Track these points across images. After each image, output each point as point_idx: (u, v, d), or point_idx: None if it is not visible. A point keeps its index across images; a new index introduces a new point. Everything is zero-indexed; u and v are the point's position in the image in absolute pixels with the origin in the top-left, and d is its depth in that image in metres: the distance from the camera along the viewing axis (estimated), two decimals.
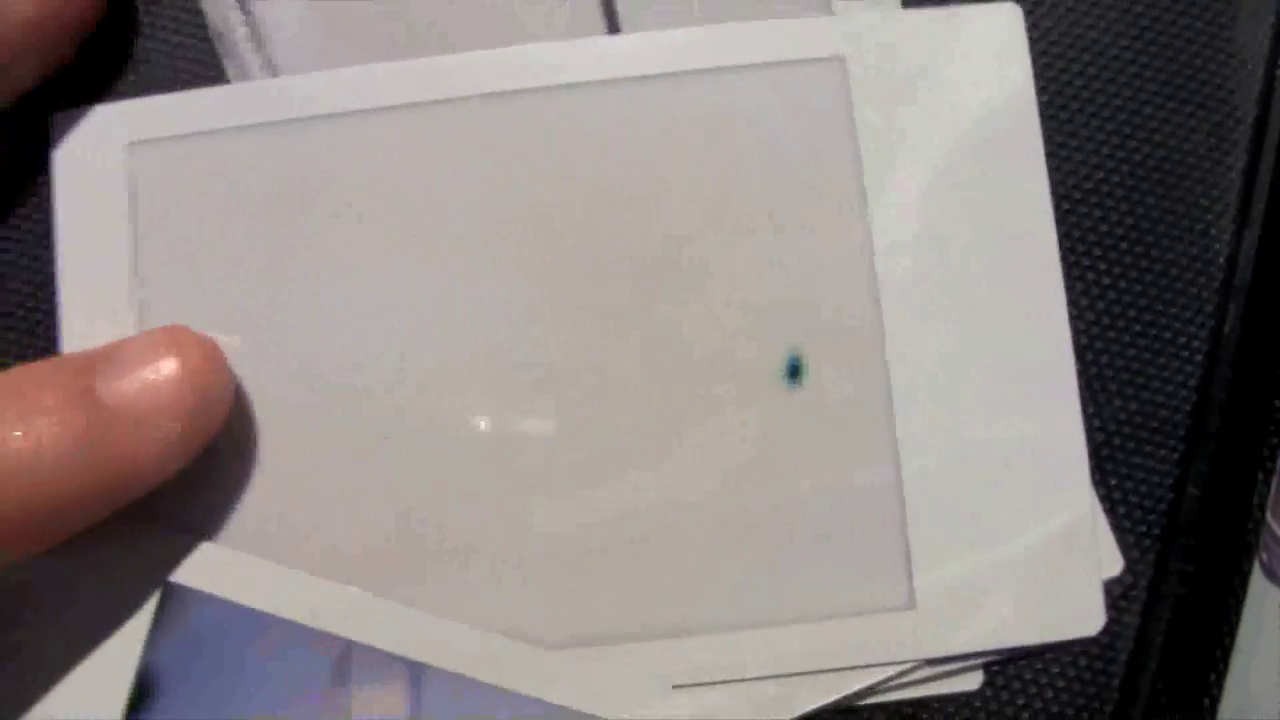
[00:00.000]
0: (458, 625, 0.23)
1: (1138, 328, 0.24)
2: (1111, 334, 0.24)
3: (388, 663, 0.23)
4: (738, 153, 0.24)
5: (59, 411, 0.21)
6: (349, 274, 0.24)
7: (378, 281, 0.24)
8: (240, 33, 0.25)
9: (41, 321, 0.25)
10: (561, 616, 0.23)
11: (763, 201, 0.24)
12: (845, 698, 0.23)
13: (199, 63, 0.25)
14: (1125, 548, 0.24)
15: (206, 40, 0.25)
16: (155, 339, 0.23)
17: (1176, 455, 0.24)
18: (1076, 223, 0.24)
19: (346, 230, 0.24)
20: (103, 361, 0.22)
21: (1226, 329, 0.24)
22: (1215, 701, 0.24)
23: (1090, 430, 0.24)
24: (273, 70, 0.25)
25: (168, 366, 0.22)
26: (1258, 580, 0.24)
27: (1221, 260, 0.24)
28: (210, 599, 0.24)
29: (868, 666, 0.23)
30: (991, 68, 0.24)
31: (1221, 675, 0.24)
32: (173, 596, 0.24)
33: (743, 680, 0.23)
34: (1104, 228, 0.24)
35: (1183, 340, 0.24)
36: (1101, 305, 0.24)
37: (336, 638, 0.23)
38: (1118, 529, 0.24)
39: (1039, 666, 0.24)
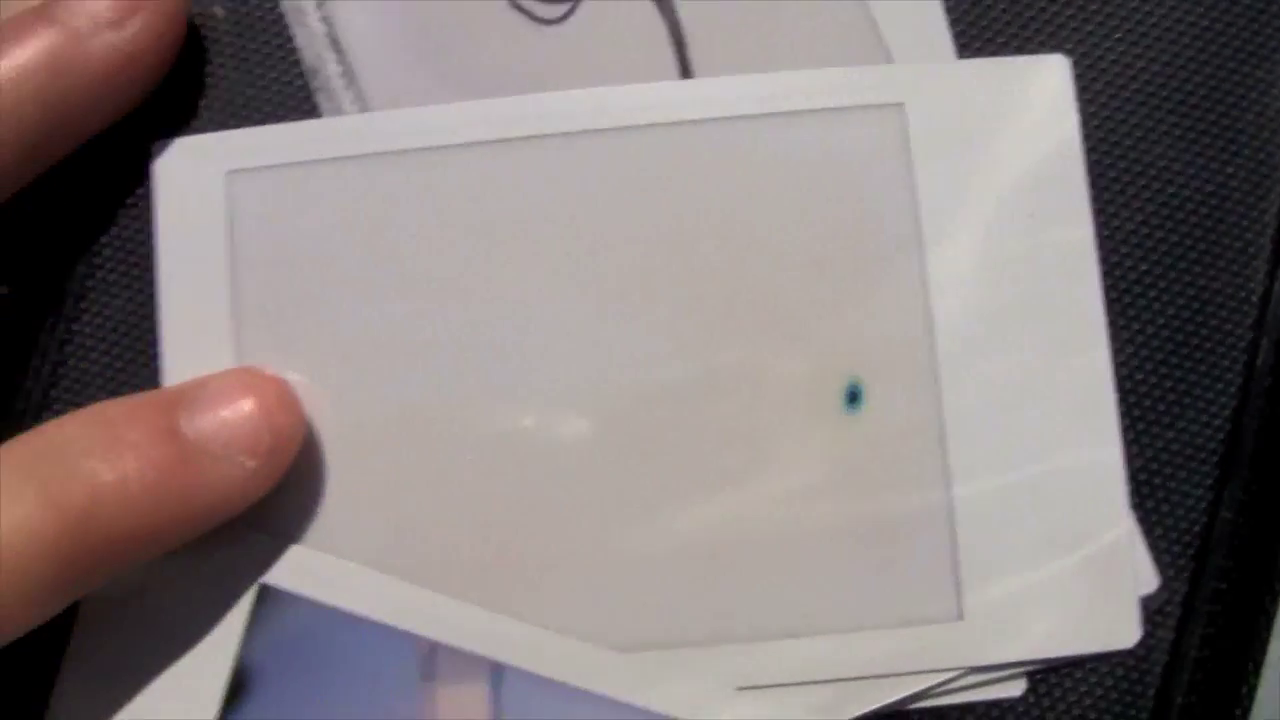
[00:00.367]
0: (536, 628, 0.25)
1: (1175, 359, 0.26)
2: (1150, 365, 0.26)
3: (471, 663, 0.25)
4: (801, 192, 0.26)
5: (146, 446, 0.23)
6: (436, 301, 0.26)
7: (465, 308, 0.26)
8: (333, 70, 0.26)
9: (143, 338, 0.26)
10: (635, 622, 0.25)
11: (824, 239, 0.25)
12: (896, 702, 0.25)
13: (293, 98, 0.27)
14: (1161, 566, 0.25)
15: (300, 76, 0.27)
16: (234, 379, 0.24)
17: (1211, 480, 0.26)
18: (1119, 261, 0.26)
19: (433, 259, 0.26)
20: (185, 399, 0.24)
21: (1259, 361, 0.26)
22: (1246, 713, 0.25)
23: (1129, 455, 0.25)
24: (364, 106, 0.26)
25: (246, 405, 0.24)
26: None
27: (1255, 298, 0.26)
28: (303, 601, 0.25)
29: (918, 673, 0.25)
30: (1041, 115, 0.26)
31: (1253, 688, 0.25)
32: (267, 598, 0.25)
33: (803, 684, 0.25)
34: (1144, 266, 0.26)
35: (1218, 372, 0.26)
36: (1141, 338, 0.26)
37: (422, 639, 0.25)
38: (1154, 548, 0.25)
39: (1078, 676, 0.25)
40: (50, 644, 0.25)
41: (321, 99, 0.26)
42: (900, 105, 0.26)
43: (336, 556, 0.25)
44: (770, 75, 0.26)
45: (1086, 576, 0.25)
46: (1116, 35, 0.26)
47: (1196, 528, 0.25)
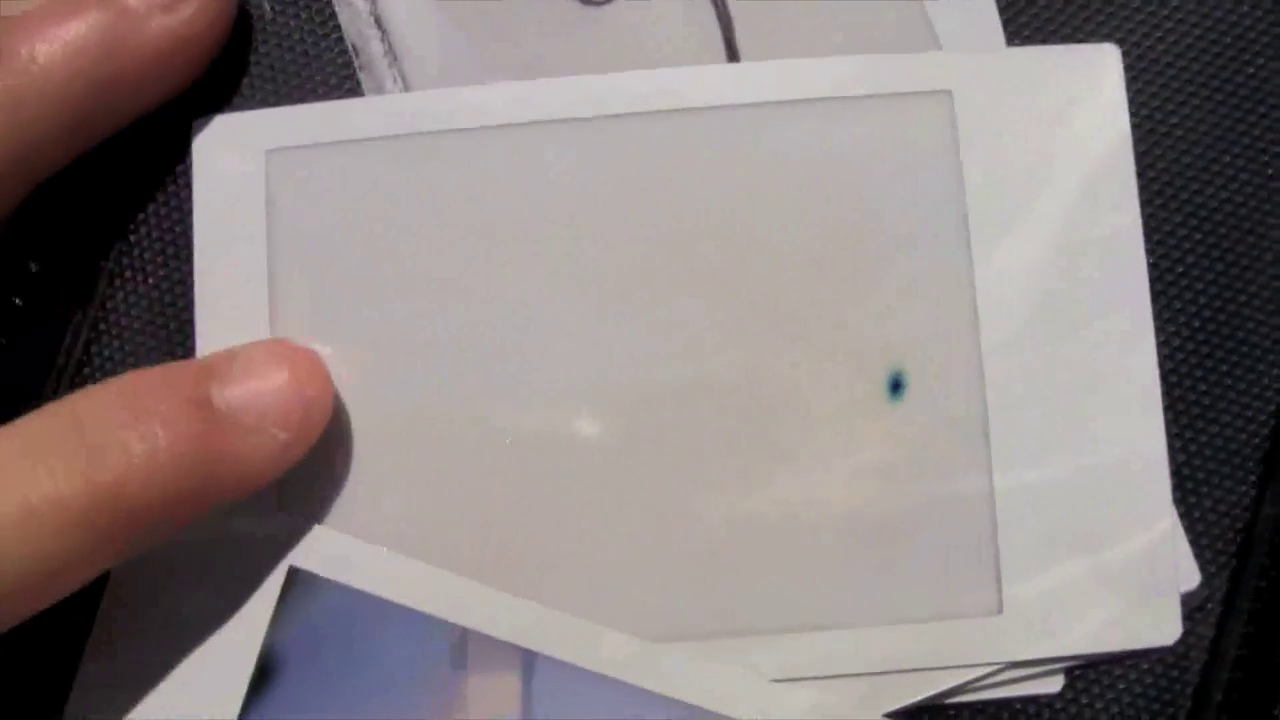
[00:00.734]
0: (568, 616, 0.25)
1: (1219, 354, 0.26)
2: (1194, 360, 0.26)
3: (502, 651, 0.25)
4: (846, 179, 0.25)
5: (176, 417, 0.22)
6: (473, 284, 0.25)
7: (501, 293, 0.25)
8: (376, 49, 0.26)
9: (177, 317, 0.26)
10: (669, 613, 0.25)
11: (870, 227, 0.25)
12: (933, 696, 0.25)
13: (335, 75, 0.26)
14: (1202, 563, 0.25)
15: (343, 54, 0.26)
16: (265, 350, 0.24)
17: (1254, 476, 0.25)
18: (1164, 253, 0.26)
19: (471, 241, 0.25)
20: (217, 370, 0.23)
21: None
22: None
23: (1173, 451, 0.25)
24: (406, 85, 0.26)
25: (278, 378, 0.24)
26: None
27: None
28: (332, 585, 0.25)
29: (956, 667, 0.25)
30: (1091, 105, 0.25)
31: None
32: (297, 581, 0.25)
33: (838, 676, 0.25)
34: (1190, 259, 0.26)
35: (1262, 367, 0.26)
36: (1186, 332, 0.26)
37: (454, 626, 0.25)
38: (1195, 545, 0.25)
39: (1117, 672, 0.25)
40: (75, 624, 0.25)
41: (364, 78, 0.26)
42: (948, 93, 0.25)
43: (367, 541, 0.25)
44: (817, 61, 0.26)
45: (1127, 573, 0.25)
46: (1167, 25, 0.26)
47: (1239, 524, 0.25)
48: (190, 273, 0.26)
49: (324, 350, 0.25)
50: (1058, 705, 0.25)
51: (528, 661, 0.25)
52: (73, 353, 0.26)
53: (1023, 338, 0.25)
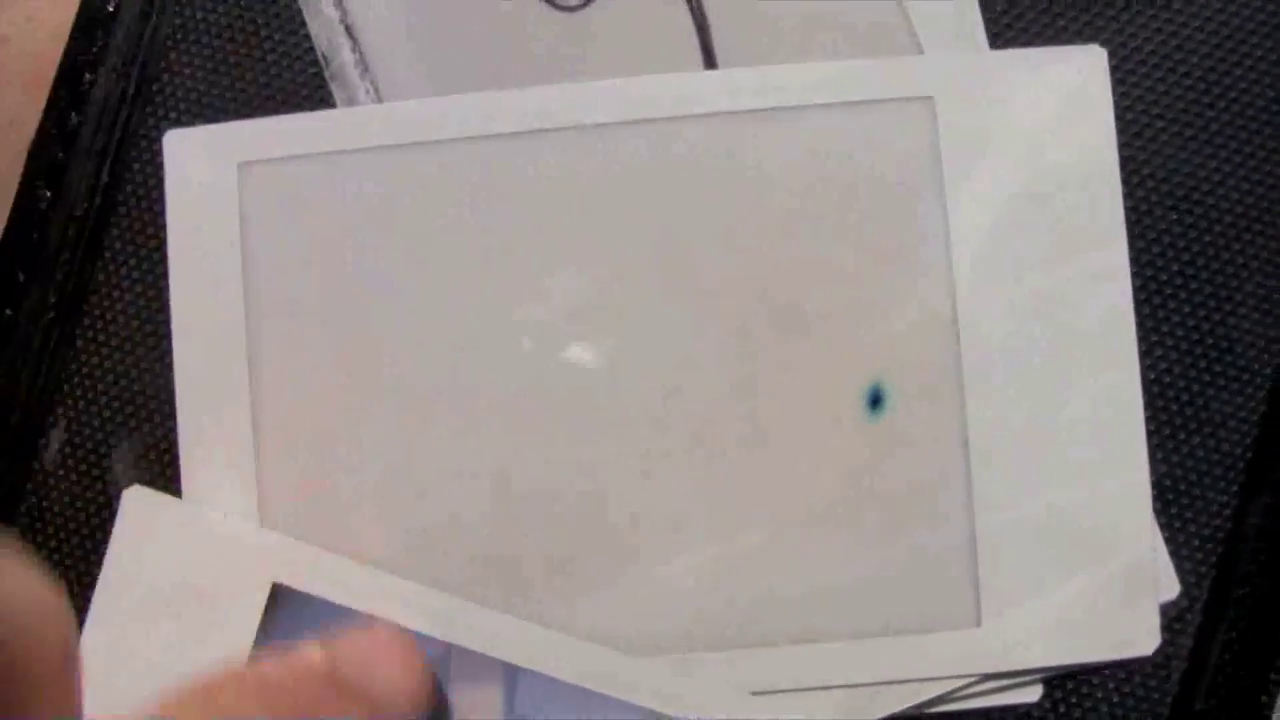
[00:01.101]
0: (550, 631, 0.25)
1: (1204, 365, 0.25)
2: (1179, 370, 0.25)
3: (485, 665, 0.25)
4: (828, 185, 0.25)
5: None
6: (451, 295, 0.25)
7: (479, 303, 0.25)
8: (347, 58, 0.26)
9: (155, 332, 0.26)
10: (649, 626, 0.25)
11: (850, 233, 0.25)
12: (913, 707, 0.25)
13: (306, 86, 0.26)
14: (1183, 574, 0.25)
15: (314, 64, 0.26)
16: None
17: (1236, 487, 0.25)
18: (1149, 261, 0.25)
19: (447, 252, 0.25)
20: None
21: None
22: None
23: (1155, 462, 0.25)
24: (378, 96, 0.26)
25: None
26: None
27: None
28: (315, 600, 0.25)
29: (935, 679, 0.25)
30: (1075, 108, 0.25)
31: (1273, 696, 0.25)
32: (281, 597, 0.25)
33: (819, 688, 0.25)
34: (1175, 267, 0.25)
35: (1247, 377, 0.25)
36: (1170, 342, 0.25)
37: (437, 640, 0.25)
38: (1176, 555, 0.25)
39: (1096, 682, 0.25)
40: None
41: (335, 88, 0.26)
42: (930, 99, 0.25)
43: (351, 558, 0.25)
44: (796, 67, 0.25)
45: (1107, 586, 0.25)
46: (1153, 26, 0.26)
47: (1220, 534, 0.25)
48: (167, 286, 0.26)
49: (302, 365, 0.25)
50: (1036, 715, 0.25)
51: (510, 674, 0.25)
52: (50, 369, 0.26)
53: (1005, 350, 0.25)
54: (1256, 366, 0.25)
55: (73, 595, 0.26)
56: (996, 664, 0.25)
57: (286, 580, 0.25)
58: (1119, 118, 0.25)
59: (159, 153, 0.26)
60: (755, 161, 0.25)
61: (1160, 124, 0.26)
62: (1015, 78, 0.25)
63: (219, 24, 0.26)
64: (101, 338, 0.26)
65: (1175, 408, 0.25)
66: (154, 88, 0.26)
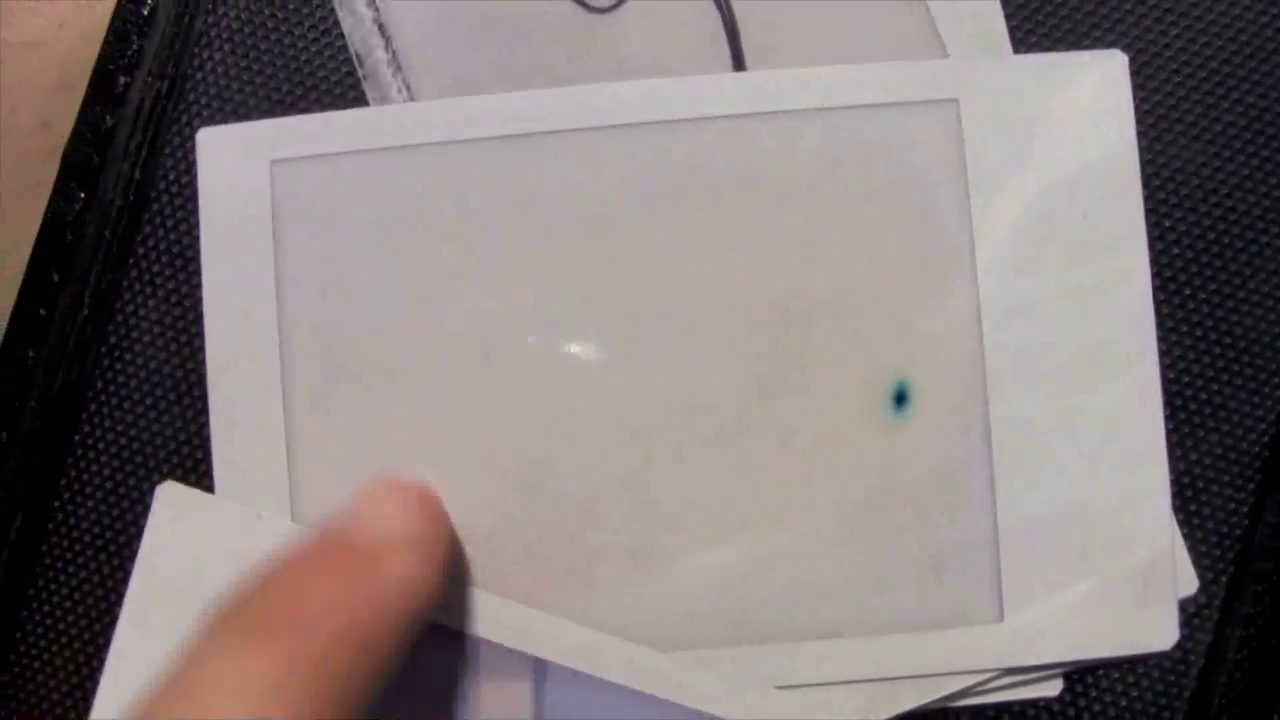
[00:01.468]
0: (578, 626, 0.25)
1: (1222, 363, 0.26)
2: (1197, 368, 0.26)
3: (513, 660, 0.25)
4: (853, 187, 0.25)
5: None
6: (481, 294, 0.25)
7: (506, 303, 0.25)
8: (380, 56, 0.26)
9: (187, 330, 0.26)
10: (676, 621, 0.25)
11: (875, 234, 0.25)
12: (936, 701, 0.25)
13: (339, 84, 0.26)
14: (1201, 569, 0.25)
15: (347, 63, 0.26)
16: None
17: (1253, 484, 0.26)
18: (1168, 261, 0.26)
19: (478, 250, 0.26)
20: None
21: None
22: None
23: (1173, 459, 0.25)
24: (410, 95, 0.26)
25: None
26: None
27: None
28: None
29: (958, 673, 0.25)
30: (1097, 112, 0.25)
31: None
32: None
33: (842, 683, 0.25)
34: (1194, 267, 0.26)
35: (1265, 375, 0.26)
36: (1189, 340, 0.26)
37: (466, 634, 0.25)
38: (1194, 551, 0.26)
39: (1115, 676, 0.26)
40: (92, 640, 0.26)
41: (368, 86, 0.26)
42: (954, 101, 0.25)
43: None
44: (823, 69, 0.25)
45: (1126, 581, 0.25)
46: (1174, 31, 0.26)
47: (1238, 531, 0.26)
48: (199, 284, 0.26)
49: (335, 361, 0.26)
50: (1056, 708, 0.26)
51: (540, 669, 0.25)
52: (83, 366, 0.26)
53: (1027, 348, 0.25)
54: (1274, 365, 0.26)
55: (106, 590, 0.26)
56: (1019, 658, 0.25)
57: None
58: (1139, 120, 0.25)
59: (191, 150, 0.26)
60: (781, 162, 0.25)
61: (1180, 127, 0.26)
62: (1038, 81, 0.25)
63: (252, 23, 0.26)
64: (134, 335, 0.26)
65: (1194, 405, 0.26)
66: (187, 86, 0.26)
